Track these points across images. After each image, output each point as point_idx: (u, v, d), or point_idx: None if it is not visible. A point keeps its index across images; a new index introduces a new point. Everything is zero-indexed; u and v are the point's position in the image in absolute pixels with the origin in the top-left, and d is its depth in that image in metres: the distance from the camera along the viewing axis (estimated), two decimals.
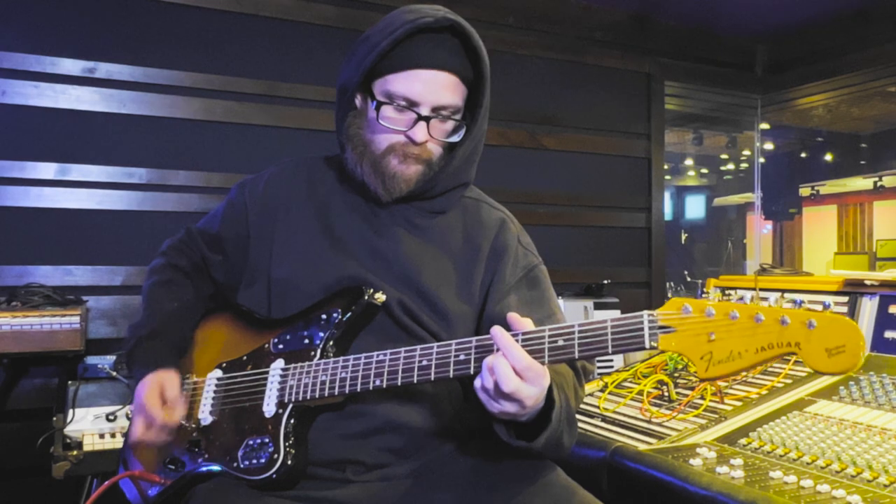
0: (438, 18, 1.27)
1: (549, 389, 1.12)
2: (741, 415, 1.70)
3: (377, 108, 1.29)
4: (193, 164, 2.93)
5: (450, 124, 1.33)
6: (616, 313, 3.14)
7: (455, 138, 1.34)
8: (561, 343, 1.07)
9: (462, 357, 1.12)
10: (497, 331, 1.08)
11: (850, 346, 0.89)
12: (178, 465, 1.33)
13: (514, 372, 1.05)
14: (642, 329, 1.01)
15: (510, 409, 1.07)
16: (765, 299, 0.98)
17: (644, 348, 1.02)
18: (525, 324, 1.11)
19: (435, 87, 1.27)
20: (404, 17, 1.27)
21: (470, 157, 1.38)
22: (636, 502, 1.53)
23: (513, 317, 1.12)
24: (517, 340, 1.08)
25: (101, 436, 2.22)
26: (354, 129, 1.34)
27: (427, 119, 1.28)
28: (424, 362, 1.15)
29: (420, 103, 1.28)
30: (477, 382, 1.09)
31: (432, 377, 1.14)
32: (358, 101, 1.36)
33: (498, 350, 1.07)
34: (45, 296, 2.44)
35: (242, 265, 1.44)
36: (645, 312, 1.02)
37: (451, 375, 1.14)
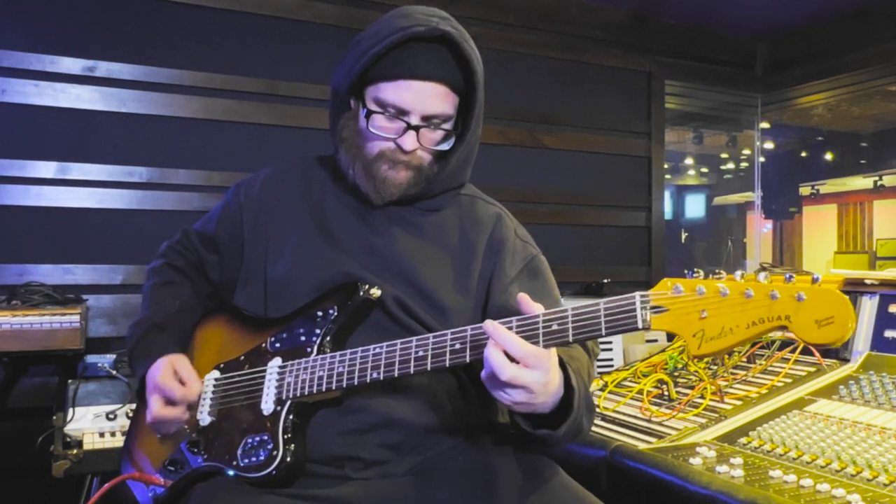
0: (430, 28, 1.26)
1: (567, 376, 1.12)
2: (741, 414, 1.70)
3: (367, 117, 1.29)
4: (193, 163, 2.93)
5: (439, 133, 1.33)
6: None
7: (445, 146, 1.34)
8: (555, 327, 1.06)
9: (458, 346, 1.12)
10: (489, 324, 1.07)
11: (838, 316, 0.89)
12: (178, 466, 1.33)
13: (508, 359, 1.04)
14: (635, 309, 1.01)
15: (519, 397, 1.05)
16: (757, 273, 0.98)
17: (637, 329, 1.02)
18: (536, 307, 1.10)
19: (425, 97, 1.27)
20: (396, 24, 1.27)
21: (464, 161, 1.39)
22: (636, 501, 1.53)
23: (523, 298, 1.11)
24: (512, 327, 1.08)
25: (101, 434, 2.22)
26: (347, 131, 1.35)
27: (416, 128, 1.29)
28: (420, 353, 1.15)
29: (410, 112, 1.28)
30: (482, 374, 1.08)
31: (428, 367, 1.14)
32: (351, 103, 1.36)
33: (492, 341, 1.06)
34: (45, 294, 2.44)
35: (238, 266, 1.45)
36: (637, 293, 1.02)
37: (448, 365, 1.13)
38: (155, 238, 1.61)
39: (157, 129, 2.88)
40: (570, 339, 1.05)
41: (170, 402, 1.31)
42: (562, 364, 1.12)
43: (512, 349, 1.04)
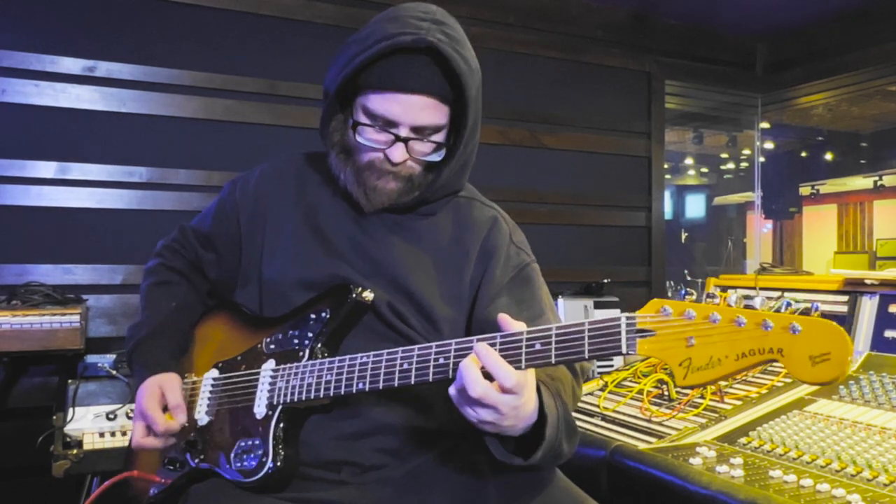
0: (417, 38, 1.21)
1: (541, 399, 1.08)
2: (741, 414, 1.70)
3: (354, 127, 1.27)
4: (193, 163, 2.93)
5: (429, 146, 1.28)
6: (615, 312, 3.14)
7: (435, 157, 1.30)
8: (538, 347, 1.02)
9: (441, 361, 1.09)
10: (480, 346, 1.03)
11: (835, 353, 0.82)
12: (177, 466, 1.33)
13: (482, 375, 1.00)
14: (619, 334, 0.96)
15: (486, 416, 1.02)
16: (749, 299, 0.93)
17: (621, 353, 0.96)
18: (517, 326, 1.06)
19: (413, 109, 1.23)
20: (384, 30, 1.23)
21: (459, 171, 1.35)
22: (636, 501, 1.53)
23: (504, 318, 1.07)
24: (496, 344, 1.04)
25: (101, 434, 2.22)
26: (338, 135, 1.32)
27: (405, 140, 1.25)
28: (405, 366, 1.12)
29: (398, 124, 1.24)
30: (451, 388, 1.04)
31: (412, 381, 1.12)
32: (341, 106, 1.33)
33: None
34: (45, 294, 2.44)
35: (236, 263, 1.44)
36: (623, 315, 0.96)
37: (431, 379, 1.10)
38: (155, 238, 1.60)
39: (156, 129, 2.88)
40: (553, 360, 1.01)
41: (152, 432, 1.29)
42: (538, 388, 1.08)
43: (500, 376, 1.00)
